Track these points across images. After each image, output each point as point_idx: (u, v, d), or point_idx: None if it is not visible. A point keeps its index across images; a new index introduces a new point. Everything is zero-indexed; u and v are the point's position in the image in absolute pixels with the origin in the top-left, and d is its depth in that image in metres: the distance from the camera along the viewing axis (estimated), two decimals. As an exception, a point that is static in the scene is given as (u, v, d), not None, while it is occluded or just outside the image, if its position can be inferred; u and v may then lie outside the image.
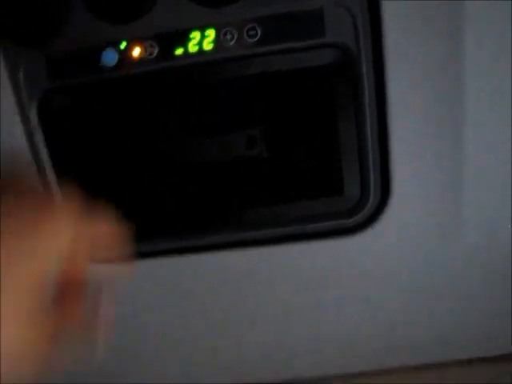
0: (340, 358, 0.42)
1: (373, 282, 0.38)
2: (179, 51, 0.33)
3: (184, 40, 0.33)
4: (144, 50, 0.33)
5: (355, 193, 0.37)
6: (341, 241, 0.38)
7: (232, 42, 0.32)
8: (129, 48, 0.33)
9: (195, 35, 0.33)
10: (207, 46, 0.33)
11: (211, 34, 0.32)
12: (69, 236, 0.21)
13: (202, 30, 0.32)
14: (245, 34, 0.32)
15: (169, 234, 0.39)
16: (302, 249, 0.37)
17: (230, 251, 0.39)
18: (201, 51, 0.33)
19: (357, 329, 0.40)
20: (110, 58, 0.33)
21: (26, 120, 0.35)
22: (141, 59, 0.33)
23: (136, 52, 0.33)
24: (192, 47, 0.33)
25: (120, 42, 0.33)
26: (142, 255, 0.38)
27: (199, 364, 0.44)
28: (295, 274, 0.39)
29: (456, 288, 0.38)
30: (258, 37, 0.32)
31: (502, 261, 0.39)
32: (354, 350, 0.41)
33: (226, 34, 0.32)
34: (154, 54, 0.33)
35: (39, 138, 0.35)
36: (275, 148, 0.35)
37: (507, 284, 0.39)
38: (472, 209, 0.37)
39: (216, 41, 0.32)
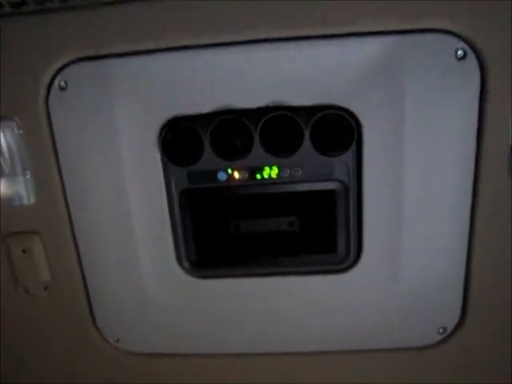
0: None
1: (345, 298, 0.70)
2: (258, 176, 0.64)
3: (261, 171, 0.64)
4: (240, 174, 0.64)
5: (343, 251, 0.68)
6: (333, 276, 0.69)
7: (286, 174, 0.64)
8: (232, 172, 0.64)
9: (267, 169, 0.64)
10: (273, 175, 0.64)
11: (275, 169, 0.64)
12: None
13: (271, 167, 0.64)
14: (292, 171, 0.64)
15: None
16: (313, 279, 0.69)
17: (269, 277, 0.70)
18: (269, 178, 0.64)
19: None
20: (222, 176, 0.65)
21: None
22: (238, 178, 0.64)
23: (236, 175, 0.64)
24: (265, 175, 0.64)
25: (228, 168, 0.64)
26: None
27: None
28: (305, 293, 0.71)
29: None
30: (299, 173, 0.64)
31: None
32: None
33: (283, 170, 0.64)
34: (246, 177, 0.64)
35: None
36: (303, 227, 0.67)
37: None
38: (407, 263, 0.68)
39: (278, 173, 0.64)
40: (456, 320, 0.70)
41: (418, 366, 0.73)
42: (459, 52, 0.58)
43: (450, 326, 0.71)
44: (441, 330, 0.71)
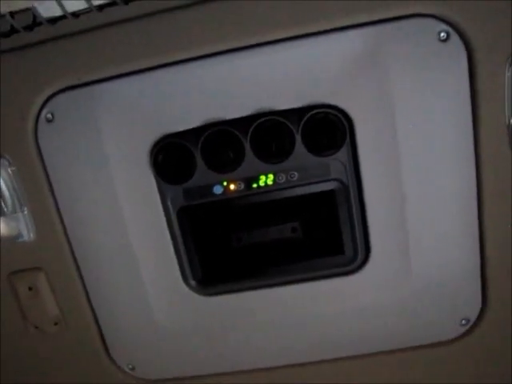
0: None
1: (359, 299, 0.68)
2: (254, 185, 0.63)
3: (256, 180, 0.63)
4: (236, 185, 0.63)
5: (350, 252, 0.66)
6: (344, 278, 0.67)
7: (282, 180, 0.63)
8: (228, 184, 0.63)
9: (262, 177, 0.63)
10: (269, 182, 0.63)
11: (271, 176, 0.63)
12: None
13: (266, 174, 0.63)
14: (288, 176, 0.62)
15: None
16: (323, 284, 0.67)
17: (278, 287, 0.68)
18: (266, 185, 0.63)
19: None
20: (217, 189, 0.64)
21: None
22: (234, 190, 0.63)
23: (232, 186, 0.63)
24: (261, 183, 0.63)
25: (223, 181, 0.63)
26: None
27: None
28: (317, 299, 0.69)
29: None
30: (295, 177, 0.62)
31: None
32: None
33: (279, 176, 0.63)
34: (242, 187, 0.63)
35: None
36: (306, 231, 0.66)
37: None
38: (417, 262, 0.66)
39: (274, 180, 0.63)
40: (478, 310, 0.67)
41: (444, 361, 0.71)
42: (442, 34, 0.57)
43: (473, 317, 0.68)
44: (464, 322, 0.68)
